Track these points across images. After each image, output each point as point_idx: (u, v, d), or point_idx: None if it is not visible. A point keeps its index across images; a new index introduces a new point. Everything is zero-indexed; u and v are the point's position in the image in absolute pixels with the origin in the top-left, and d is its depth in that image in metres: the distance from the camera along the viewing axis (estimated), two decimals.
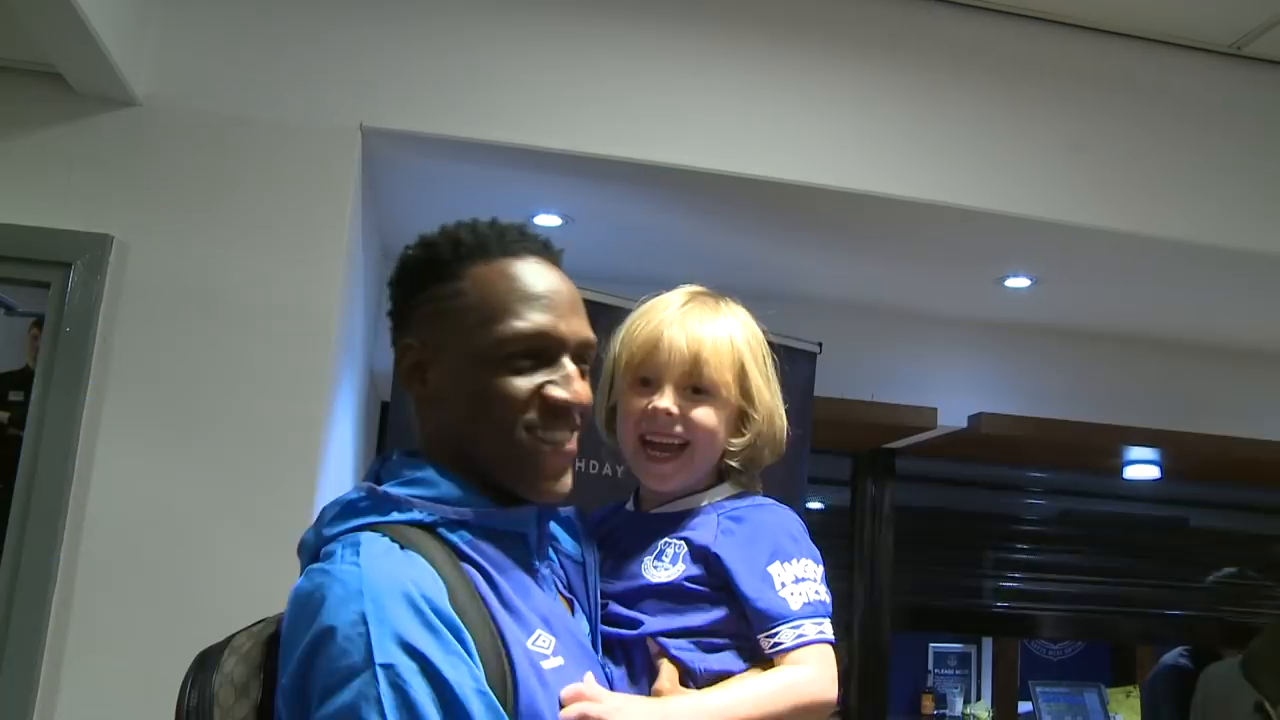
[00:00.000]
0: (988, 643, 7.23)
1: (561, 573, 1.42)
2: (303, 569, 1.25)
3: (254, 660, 1.24)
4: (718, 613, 1.49)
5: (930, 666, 7.28)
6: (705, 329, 1.54)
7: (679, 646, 1.45)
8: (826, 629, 1.47)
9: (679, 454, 1.54)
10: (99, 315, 2.53)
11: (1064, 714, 5.26)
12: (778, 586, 1.49)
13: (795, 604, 1.48)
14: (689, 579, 1.50)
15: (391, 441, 2.66)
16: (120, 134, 2.62)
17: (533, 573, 1.31)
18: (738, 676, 1.44)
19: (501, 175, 3.02)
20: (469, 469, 1.30)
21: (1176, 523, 5.18)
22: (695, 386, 1.53)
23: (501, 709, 1.11)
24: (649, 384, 1.54)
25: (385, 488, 1.26)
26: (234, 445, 2.52)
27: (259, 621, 1.30)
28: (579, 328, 1.35)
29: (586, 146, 2.84)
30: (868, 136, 3.01)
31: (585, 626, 1.40)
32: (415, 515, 1.23)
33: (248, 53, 2.72)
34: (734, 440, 1.57)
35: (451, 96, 2.78)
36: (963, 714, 6.74)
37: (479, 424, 1.29)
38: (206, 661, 1.26)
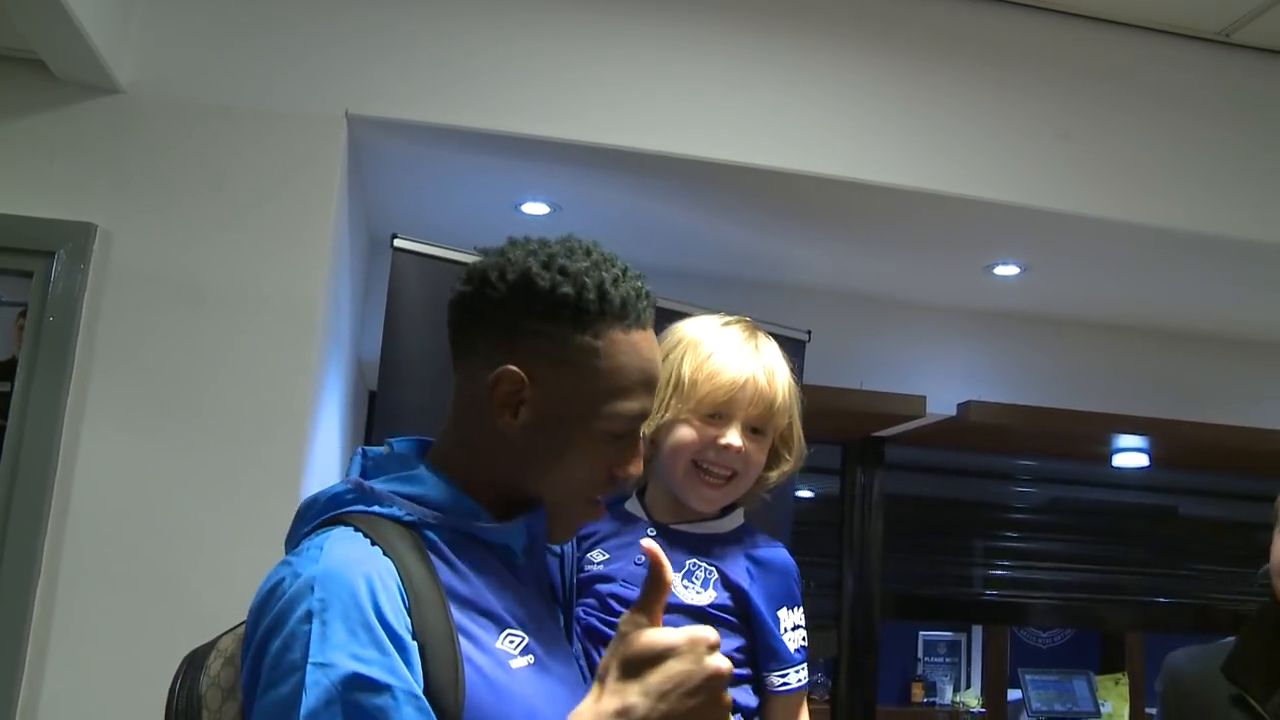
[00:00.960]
0: (977, 631, 7.25)
1: (539, 567, 1.43)
2: None
3: (239, 663, 1.21)
4: (738, 640, 1.62)
5: (920, 655, 7.30)
6: (779, 375, 1.67)
7: None
8: (806, 673, 1.67)
9: (727, 483, 1.65)
10: (83, 304, 2.52)
11: (1053, 701, 5.27)
12: (783, 630, 1.65)
13: (793, 648, 1.65)
14: (718, 606, 1.61)
15: (379, 431, 2.65)
16: (103, 122, 2.60)
17: (513, 569, 1.31)
18: None
19: (489, 163, 3.01)
20: (485, 484, 1.28)
21: (1165, 511, 5.18)
22: (756, 427, 1.65)
23: (432, 712, 1.09)
24: (718, 418, 1.63)
25: (372, 483, 1.25)
26: (219, 435, 2.51)
27: (243, 622, 1.27)
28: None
29: (575, 134, 2.83)
30: (857, 124, 3.00)
31: (560, 618, 1.43)
32: (395, 512, 1.22)
33: (232, 40, 2.70)
34: (768, 474, 1.70)
35: (438, 83, 2.77)
36: (952, 702, 6.77)
37: (550, 478, 1.28)
38: (194, 663, 1.26)
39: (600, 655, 1.55)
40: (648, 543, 1.19)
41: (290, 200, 2.63)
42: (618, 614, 1.57)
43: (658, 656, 1.11)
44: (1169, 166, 3.20)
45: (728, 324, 1.72)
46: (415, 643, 1.11)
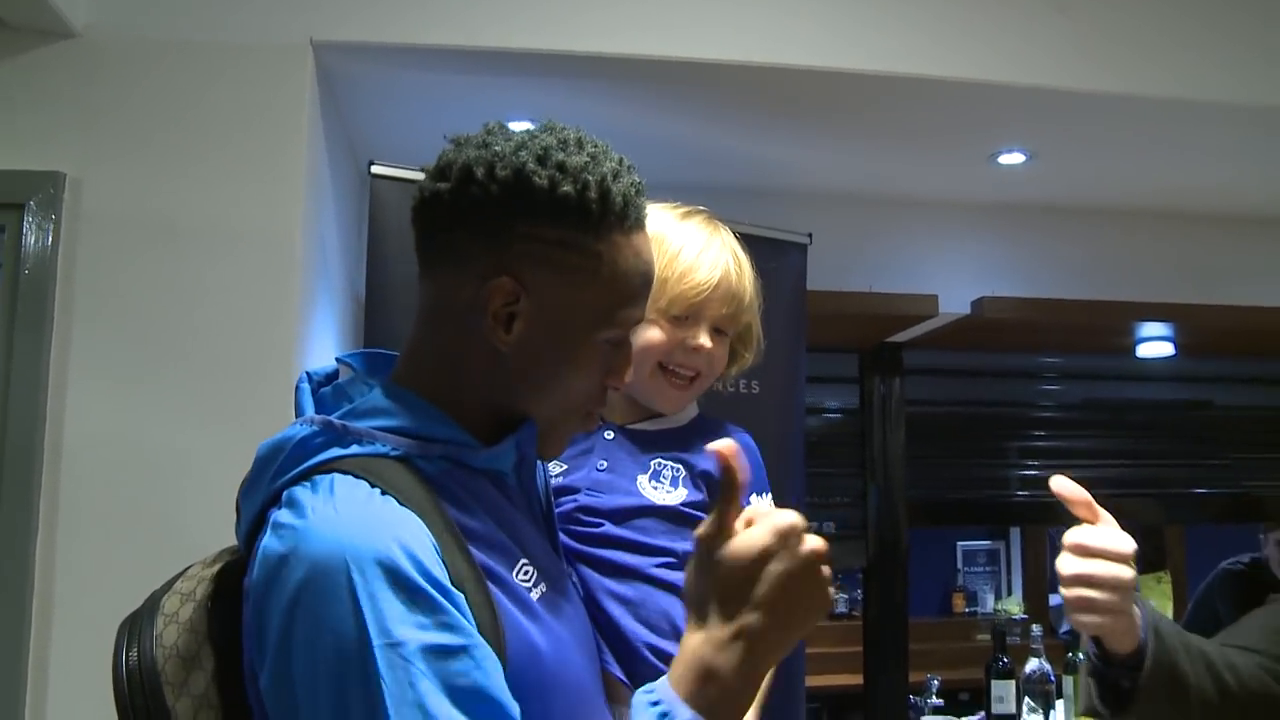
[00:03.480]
0: (1016, 539, 7.21)
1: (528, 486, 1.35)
2: (246, 518, 1.13)
3: (199, 629, 1.12)
4: None
5: (960, 565, 7.26)
6: (746, 271, 1.61)
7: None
8: None
9: (691, 383, 1.59)
10: (58, 255, 2.47)
11: None
12: None
13: None
14: (690, 503, 1.54)
15: None
16: (62, 67, 2.54)
17: (508, 495, 1.21)
18: None
19: (469, 81, 2.93)
20: (470, 405, 1.17)
21: (1200, 403, 5.06)
22: (719, 328, 1.59)
23: (502, 667, 1.02)
24: (687, 319, 1.56)
25: (343, 420, 1.12)
26: (206, 376, 2.47)
27: (179, 576, 1.19)
28: None
29: (555, 44, 2.73)
30: (843, 12, 2.89)
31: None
32: (379, 449, 1.10)
33: None
34: (727, 370, 1.65)
35: (404, 2, 2.68)
36: (994, 610, 6.73)
37: (545, 394, 1.18)
38: (137, 629, 1.14)
39: (578, 572, 1.50)
40: (718, 445, 1.09)
41: (260, 134, 2.57)
42: (587, 525, 1.52)
43: (753, 566, 1.03)
44: (1173, 34, 3.06)
45: (687, 215, 1.64)
46: (459, 592, 1.02)
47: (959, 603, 7.05)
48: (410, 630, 0.96)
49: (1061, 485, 1.31)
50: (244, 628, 1.07)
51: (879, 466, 4.23)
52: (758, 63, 2.82)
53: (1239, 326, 4.07)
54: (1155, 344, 4.37)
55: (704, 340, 1.56)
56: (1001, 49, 2.95)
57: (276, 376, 2.47)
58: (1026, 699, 3.52)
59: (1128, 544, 1.30)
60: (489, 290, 1.12)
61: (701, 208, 1.65)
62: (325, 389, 1.20)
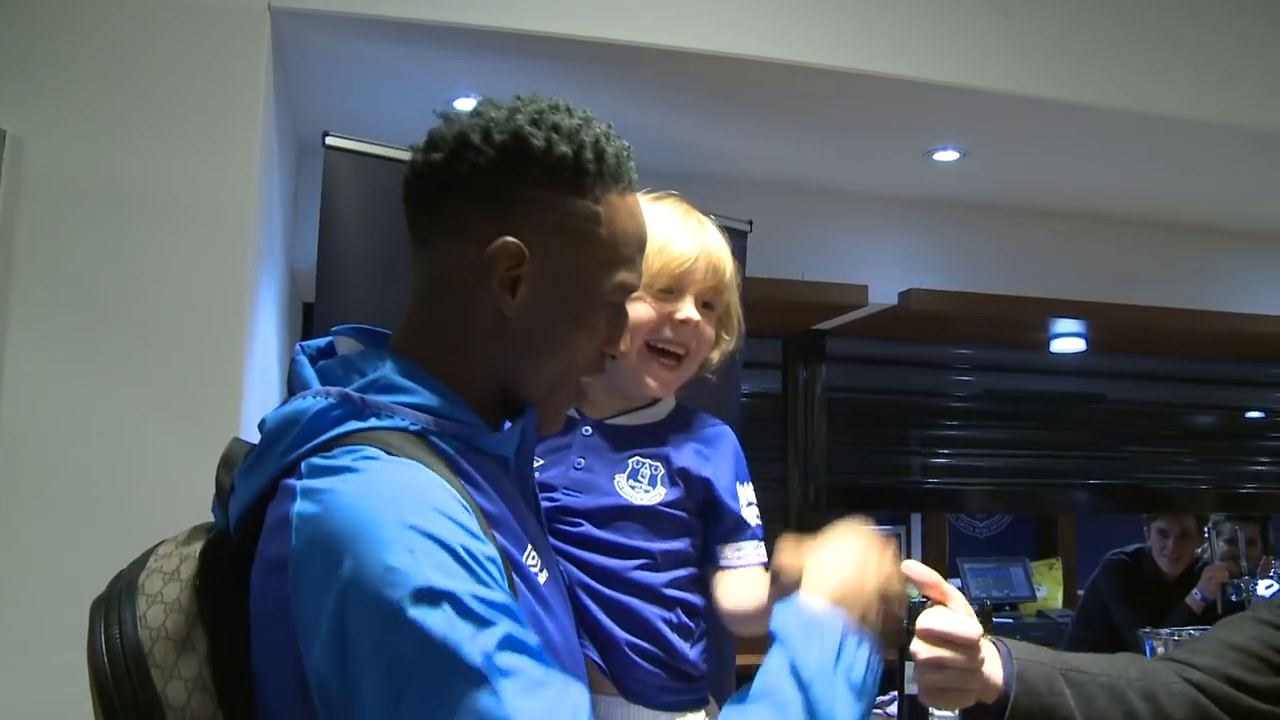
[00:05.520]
0: (917, 524, 7.38)
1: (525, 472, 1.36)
2: (249, 491, 1.09)
3: (189, 609, 1.08)
4: (686, 540, 1.58)
5: None
6: (724, 248, 1.64)
7: (667, 584, 1.52)
8: (764, 550, 1.60)
9: (679, 363, 1.60)
10: None
11: (991, 588, 5.37)
12: (742, 505, 1.62)
13: (751, 522, 1.62)
14: (668, 503, 1.56)
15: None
16: (4, 19, 2.43)
17: (511, 481, 1.22)
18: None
19: (418, 55, 2.88)
20: (475, 381, 1.17)
21: (1095, 397, 5.26)
22: (707, 302, 1.60)
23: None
24: (670, 294, 1.57)
25: (361, 393, 1.10)
26: (154, 348, 2.39)
27: (149, 555, 1.15)
28: None
29: (505, 21, 2.71)
30: (791, 4, 2.91)
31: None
32: (398, 422, 1.08)
33: None
34: (710, 355, 1.67)
35: None
36: None
37: (548, 361, 1.18)
38: (114, 611, 1.08)
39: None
40: (909, 569, 1.25)
41: (215, 101, 2.49)
42: (567, 525, 1.53)
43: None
44: (1111, 43, 3.15)
45: (658, 199, 1.66)
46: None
47: None
48: (455, 582, 0.96)
49: (912, 569, 1.31)
50: (254, 595, 1.05)
51: (801, 451, 4.30)
52: (703, 50, 2.83)
53: (1146, 325, 4.25)
54: (1068, 339, 4.52)
55: (690, 312, 1.57)
56: (944, 48, 3.01)
57: (226, 351, 2.41)
58: None
59: (974, 629, 1.32)
60: (493, 254, 1.12)
61: (673, 192, 1.67)
62: (325, 363, 1.19)
